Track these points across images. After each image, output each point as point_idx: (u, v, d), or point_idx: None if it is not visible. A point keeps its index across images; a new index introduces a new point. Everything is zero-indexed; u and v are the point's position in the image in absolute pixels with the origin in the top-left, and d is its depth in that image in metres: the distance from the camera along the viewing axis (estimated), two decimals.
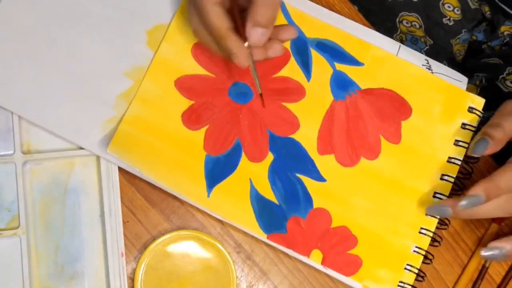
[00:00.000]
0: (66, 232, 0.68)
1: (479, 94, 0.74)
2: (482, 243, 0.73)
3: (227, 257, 0.68)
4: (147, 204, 0.70)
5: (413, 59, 0.73)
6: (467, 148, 0.69)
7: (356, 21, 0.74)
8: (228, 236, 0.70)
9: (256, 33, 0.62)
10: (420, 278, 0.69)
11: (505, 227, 0.74)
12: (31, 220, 0.68)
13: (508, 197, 0.65)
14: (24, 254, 0.66)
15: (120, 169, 0.69)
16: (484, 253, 0.65)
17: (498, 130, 0.65)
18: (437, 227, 0.70)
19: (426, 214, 0.70)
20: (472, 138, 0.71)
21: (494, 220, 0.73)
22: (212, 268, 0.68)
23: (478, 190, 0.63)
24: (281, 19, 0.72)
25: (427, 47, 0.88)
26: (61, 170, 0.69)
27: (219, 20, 0.63)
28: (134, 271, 0.68)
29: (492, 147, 0.65)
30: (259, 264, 0.70)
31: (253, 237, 0.69)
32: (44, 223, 0.68)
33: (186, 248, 0.68)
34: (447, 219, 0.71)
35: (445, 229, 0.71)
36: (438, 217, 0.69)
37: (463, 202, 0.63)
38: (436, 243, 0.70)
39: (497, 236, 0.72)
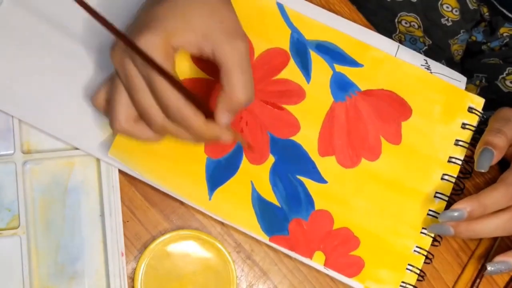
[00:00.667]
0: (66, 232, 0.68)
1: (479, 94, 0.74)
2: (481, 243, 0.73)
3: (227, 257, 0.68)
4: (147, 204, 0.70)
5: (412, 59, 0.73)
6: (473, 162, 0.68)
7: (356, 21, 0.74)
8: (228, 235, 0.70)
9: (227, 118, 0.61)
10: (420, 278, 0.70)
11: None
12: (31, 220, 0.68)
13: (508, 216, 0.65)
14: (24, 254, 0.66)
15: (120, 169, 0.69)
16: (491, 267, 0.65)
17: (500, 137, 0.65)
18: None
19: (426, 232, 0.70)
20: (472, 138, 0.72)
21: None
22: (212, 267, 0.68)
23: (461, 205, 0.64)
24: (280, 22, 0.72)
25: (426, 47, 0.88)
26: (61, 170, 0.69)
27: (196, 117, 0.60)
28: (134, 271, 0.68)
29: (497, 157, 0.65)
30: (259, 264, 0.70)
31: (253, 236, 0.69)
32: (44, 223, 0.68)
33: (186, 248, 0.68)
34: None
35: None
36: (440, 235, 0.69)
37: (444, 216, 0.64)
38: (436, 243, 0.70)
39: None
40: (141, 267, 0.67)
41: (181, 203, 0.70)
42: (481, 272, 0.72)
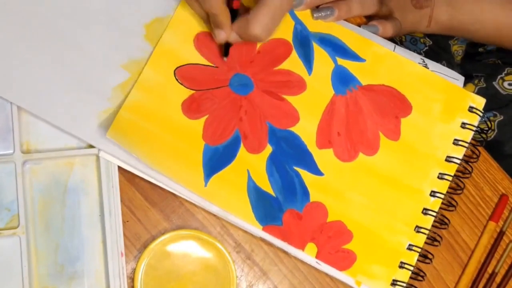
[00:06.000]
0: (66, 232, 0.68)
1: (476, 93, 0.74)
2: (481, 243, 0.73)
3: (227, 257, 0.68)
4: (147, 204, 0.70)
5: (409, 58, 0.73)
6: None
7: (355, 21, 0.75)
8: (228, 235, 0.70)
9: (233, 37, 0.67)
10: (420, 278, 0.69)
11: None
12: (31, 220, 0.68)
13: None
14: (23, 254, 0.66)
15: (120, 168, 0.69)
16: (316, 14, 0.72)
17: (344, 7, 0.72)
18: (437, 227, 0.71)
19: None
20: (471, 138, 0.72)
21: (491, 218, 0.73)
22: (212, 267, 0.68)
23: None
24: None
25: (426, 47, 0.88)
26: (61, 170, 0.69)
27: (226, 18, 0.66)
28: (134, 271, 0.68)
29: (334, 18, 0.72)
30: (259, 264, 0.70)
31: (253, 236, 0.69)
32: (43, 223, 0.68)
33: (186, 248, 0.68)
34: (446, 218, 0.71)
35: (445, 228, 0.71)
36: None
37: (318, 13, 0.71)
38: (436, 243, 0.70)
39: (494, 233, 0.73)
40: (141, 267, 0.67)
41: (181, 202, 0.70)
42: (490, 279, 0.72)
